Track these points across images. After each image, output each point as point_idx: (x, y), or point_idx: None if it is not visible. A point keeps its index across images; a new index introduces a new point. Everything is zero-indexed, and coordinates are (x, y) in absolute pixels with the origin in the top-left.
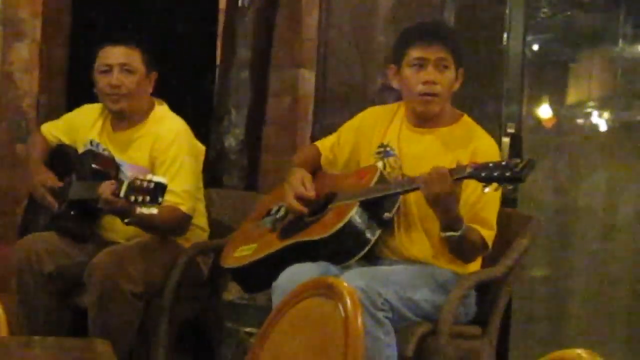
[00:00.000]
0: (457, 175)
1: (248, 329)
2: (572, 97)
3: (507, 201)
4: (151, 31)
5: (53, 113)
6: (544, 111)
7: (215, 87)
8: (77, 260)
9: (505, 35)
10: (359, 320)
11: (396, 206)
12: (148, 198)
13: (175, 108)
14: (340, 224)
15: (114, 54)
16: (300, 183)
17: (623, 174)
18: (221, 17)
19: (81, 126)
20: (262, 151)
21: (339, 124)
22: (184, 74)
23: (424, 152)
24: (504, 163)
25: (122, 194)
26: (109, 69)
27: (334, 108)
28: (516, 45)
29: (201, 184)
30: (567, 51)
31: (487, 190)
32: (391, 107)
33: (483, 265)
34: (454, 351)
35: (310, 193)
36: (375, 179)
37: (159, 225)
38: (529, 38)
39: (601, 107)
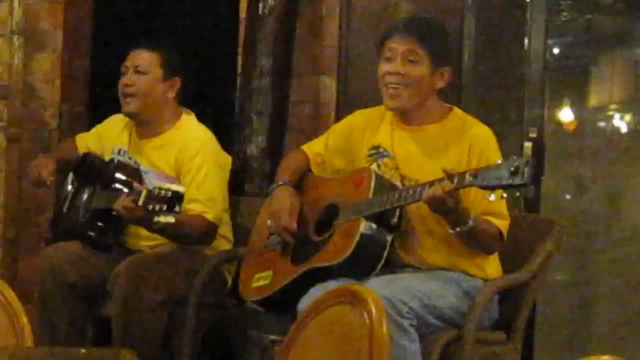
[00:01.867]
0: (458, 185)
1: (272, 337)
2: (593, 100)
3: (530, 205)
4: (172, 41)
5: (75, 123)
6: (566, 115)
7: (237, 95)
8: (100, 269)
9: (526, 40)
10: (384, 327)
11: (398, 211)
12: (165, 207)
13: (198, 117)
14: (352, 247)
15: (133, 56)
16: (287, 215)
17: None
18: (242, 26)
19: (109, 135)
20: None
21: None
22: (206, 83)
23: (418, 150)
24: (502, 165)
25: (140, 202)
26: (125, 71)
27: None
28: (537, 49)
29: (227, 194)
30: (588, 54)
31: (492, 198)
32: (379, 109)
33: (507, 270)
34: (479, 357)
35: (293, 227)
36: (372, 185)
37: (185, 233)
38: (550, 42)
39: (623, 110)
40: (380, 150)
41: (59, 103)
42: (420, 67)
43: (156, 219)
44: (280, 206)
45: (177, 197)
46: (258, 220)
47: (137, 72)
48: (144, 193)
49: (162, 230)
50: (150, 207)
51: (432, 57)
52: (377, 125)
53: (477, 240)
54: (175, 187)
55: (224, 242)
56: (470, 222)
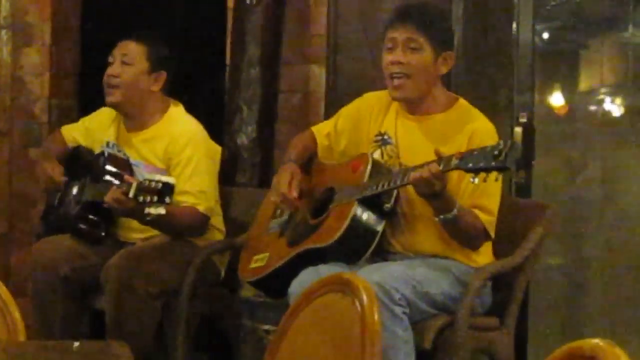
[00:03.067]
0: (444, 168)
1: (266, 327)
2: (583, 84)
3: (521, 190)
4: (160, 32)
5: (65, 116)
6: (556, 99)
7: (226, 85)
8: (92, 262)
9: (514, 25)
10: (376, 315)
11: (394, 196)
12: (156, 198)
13: (187, 108)
14: (343, 228)
15: (120, 47)
16: (286, 182)
17: (637, 160)
18: (230, 15)
19: (98, 128)
20: (275, 148)
21: None
22: (194, 73)
23: (421, 140)
24: (487, 149)
25: (131, 194)
26: (112, 61)
27: (346, 103)
28: (526, 34)
29: (217, 185)
30: (577, 38)
31: (475, 181)
32: (386, 93)
33: (499, 255)
34: (472, 343)
35: (293, 195)
36: (368, 170)
37: (177, 225)
38: (539, 26)
39: (613, 94)
40: (385, 137)
41: (48, 97)
42: (422, 55)
43: (147, 210)
44: (280, 178)
45: (168, 188)
46: (260, 207)
47: (124, 63)
48: (134, 185)
49: (154, 222)
50: (141, 198)
51: (433, 42)
52: (384, 110)
53: (461, 231)
54: (165, 178)
55: (215, 233)
56: (455, 211)
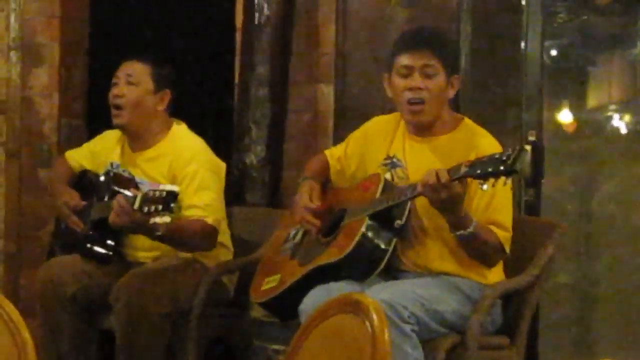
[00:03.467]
0: (454, 175)
1: (276, 347)
2: (592, 101)
3: (530, 208)
4: (169, 51)
5: (74, 136)
6: (565, 116)
7: (235, 105)
8: (100, 281)
9: (522, 43)
10: (386, 335)
11: (406, 213)
12: (160, 207)
13: (196, 127)
14: (353, 244)
15: (124, 67)
16: (307, 195)
17: None
18: (238, 35)
19: (102, 151)
20: (284, 167)
21: None
22: (203, 93)
23: (430, 160)
24: (496, 156)
25: (136, 206)
26: (117, 81)
27: (354, 121)
28: (534, 51)
29: (223, 201)
30: (585, 55)
31: (485, 187)
32: (394, 117)
33: (508, 274)
34: None
35: (314, 205)
36: (380, 188)
37: (186, 238)
38: (547, 43)
39: (622, 110)
40: (394, 160)
41: (58, 117)
42: (438, 79)
43: (152, 220)
44: (300, 194)
45: (172, 196)
46: (274, 232)
47: (129, 82)
48: (139, 196)
49: (162, 236)
50: (146, 209)
51: (446, 67)
52: (392, 134)
53: (478, 248)
54: (169, 187)
55: (223, 251)
56: (472, 228)
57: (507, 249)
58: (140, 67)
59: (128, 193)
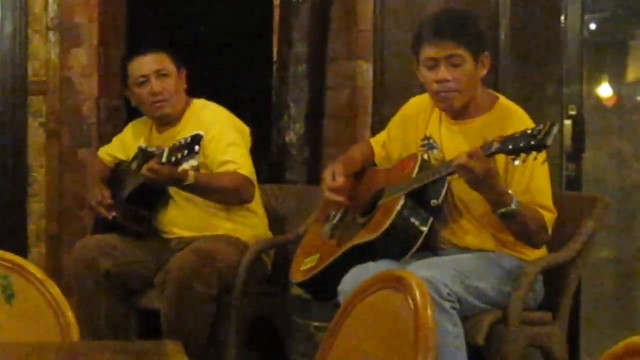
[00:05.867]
0: (486, 152)
1: (317, 324)
2: (632, 75)
3: (572, 183)
4: (206, 30)
5: (113, 116)
6: (605, 91)
7: (273, 82)
8: (135, 258)
9: (562, 16)
10: (429, 311)
11: (443, 192)
12: (186, 151)
13: (234, 106)
14: (389, 222)
15: (146, 63)
16: (330, 175)
17: None
18: (276, 13)
19: (131, 140)
20: (323, 144)
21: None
22: (242, 71)
23: (464, 144)
24: (528, 131)
25: (164, 159)
26: (145, 80)
27: (393, 98)
28: (574, 25)
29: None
30: (625, 29)
31: (516, 162)
32: (429, 96)
33: (550, 249)
34: (525, 338)
35: (338, 182)
36: (416, 168)
37: (219, 186)
38: (587, 17)
39: None
40: (431, 141)
41: (97, 97)
42: (465, 67)
43: (180, 169)
44: (326, 170)
45: (196, 139)
46: (314, 213)
47: (161, 75)
48: (166, 150)
49: (193, 186)
50: (173, 158)
51: (471, 51)
52: (428, 113)
53: (522, 225)
54: (193, 133)
55: (256, 221)
56: (513, 205)
57: (550, 229)
58: (161, 57)
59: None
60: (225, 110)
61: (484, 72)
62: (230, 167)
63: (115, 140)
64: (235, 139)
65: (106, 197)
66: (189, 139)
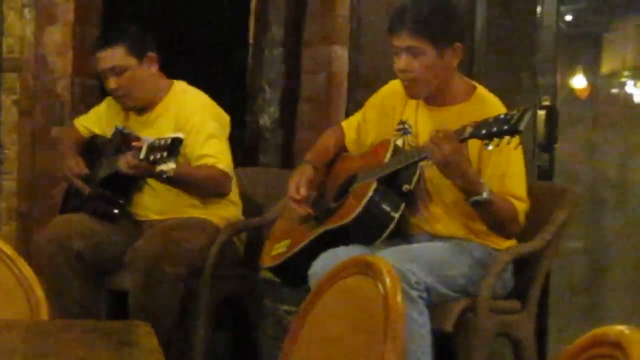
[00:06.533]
0: (460, 137)
1: (286, 307)
2: (606, 67)
3: (543, 173)
4: (183, 12)
5: (87, 95)
6: (579, 82)
7: (248, 65)
8: (107, 239)
9: (538, 7)
10: (399, 298)
11: (415, 178)
12: (166, 153)
13: (209, 88)
14: (361, 207)
15: (102, 59)
16: (294, 187)
17: None
18: None
19: (108, 115)
20: (297, 128)
21: None
22: (217, 53)
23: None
24: (501, 117)
25: (142, 155)
26: (104, 75)
27: (368, 83)
28: (549, 16)
29: (230, 153)
30: (600, 21)
31: (489, 147)
32: None
33: (521, 238)
34: (494, 326)
35: (300, 195)
36: (389, 153)
37: (196, 180)
38: (563, 9)
39: (636, 77)
40: (406, 126)
41: (71, 75)
42: (425, 57)
43: (158, 168)
44: (292, 179)
45: (177, 142)
46: (286, 197)
47: (115, 74)
48: (144, 147)
49: (171, 179)
50: (151, 157)
51: (433, 42)
52: (406, 99)
53: (495, 215)
54: (173, 134)
55: (231, 208)
56: (485, 194)
57: (522, 219)
58: (117, 52)
59: (134, 147)
60: (206, 97)
61: (455, 61)
62: (208, 162)
63: (92, 113)
64: (215, 131)
65: (83, 169)
66: (169, 142)
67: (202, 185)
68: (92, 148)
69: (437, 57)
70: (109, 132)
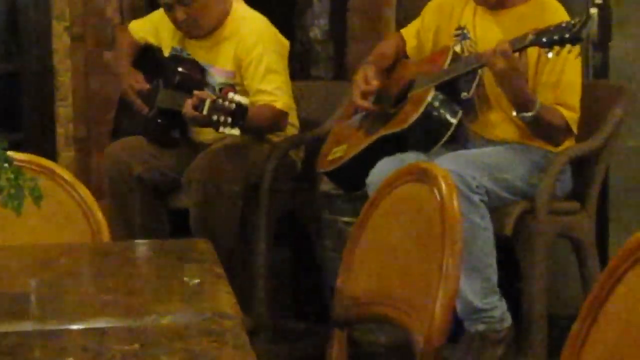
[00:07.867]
0: (519, 44)
1: (345, 219)
2: None
3: (598, 72)
4: None
5: (138, 16)
6: None
7: None
8: (166, 163)
9: None
10: (455, 202)
11: (474, 85)
12: (230, 120)
13: (258, 3)
14: (418, 113)
15: None
16: (362, 80)
17: None
18: None
19: (166, 29)
20: (348, 40)
21: (423, 8)
22: None
23: (498, 34)
24: (563, 24)
25: (205, 111)
26: (170, 6)
27: None
28: None
29: (289, 80)
30: None
31: (550, 55)
32: None
33: (577, 139)
34: (553, 227)
35: (371, 86)
36: (448, 60)
37: (256, 126)
38: None
39: None
40: (465, 31)
41: None
42: None
43: (221, 129)
44: (357, 75)
45: (242, 110)
46: (342, 105)
47: (185, 3)
48: (207, 102)
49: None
50: (215, 117)
51: None
52: (464, 3)
53: (543, 129)
54: (238, 97)
55: (289, 129)
56: (535, 111)
57: (575, 128)
58: None
59: (196, 95)
60: (265, 23)
61: None
62: (266, 99)
63: (148, 20)
64: (274, 65)
65: (144, 85)
66: (233, 106)
67: (259, 128)
68: (147, 59)
69: None
70: (164, 45)
